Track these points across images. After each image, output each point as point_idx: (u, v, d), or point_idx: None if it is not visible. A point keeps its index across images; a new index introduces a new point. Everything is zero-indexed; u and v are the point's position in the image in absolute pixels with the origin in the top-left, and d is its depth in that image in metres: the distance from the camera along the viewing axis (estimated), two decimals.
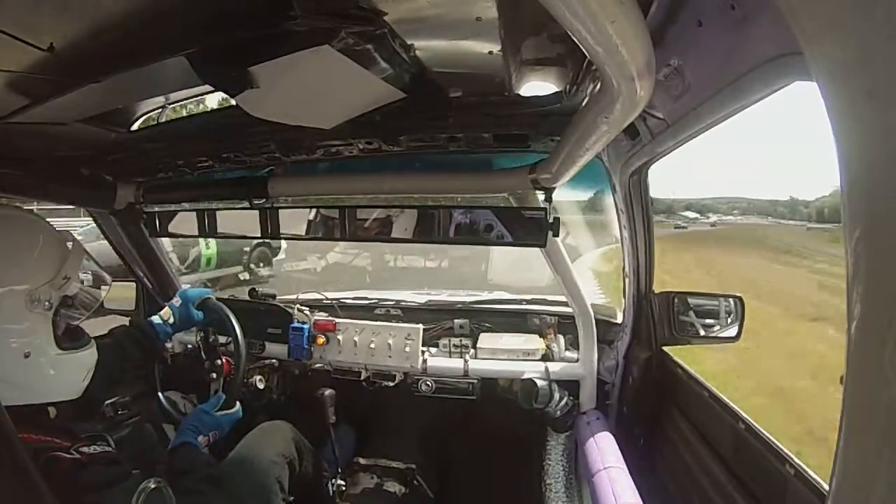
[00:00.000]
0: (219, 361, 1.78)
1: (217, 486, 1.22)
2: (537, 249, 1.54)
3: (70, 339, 1.14)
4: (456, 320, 2.04)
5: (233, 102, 1.03)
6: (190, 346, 1.95)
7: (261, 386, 1.93)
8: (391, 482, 1.90)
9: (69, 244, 1.15)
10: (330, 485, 1.81)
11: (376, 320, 2.05)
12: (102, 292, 1.26)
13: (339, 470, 1.86)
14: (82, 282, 1.17)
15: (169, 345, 1.94)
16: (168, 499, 1.06)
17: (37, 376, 1.06)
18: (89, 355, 1.19)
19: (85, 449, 1.02)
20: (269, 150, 1.56)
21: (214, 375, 1.77)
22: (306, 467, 1.68)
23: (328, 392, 1.90)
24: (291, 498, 1.55)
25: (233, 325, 1.67)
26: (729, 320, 1.65)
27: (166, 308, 1.68)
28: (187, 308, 1.68)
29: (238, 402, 1.56)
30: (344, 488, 1.83)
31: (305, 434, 1.77)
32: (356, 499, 1.87)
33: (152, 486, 1.03)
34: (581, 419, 1.80)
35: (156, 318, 1.64)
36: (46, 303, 1.07)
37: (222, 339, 1.83)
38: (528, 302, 2.17)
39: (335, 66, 0.90)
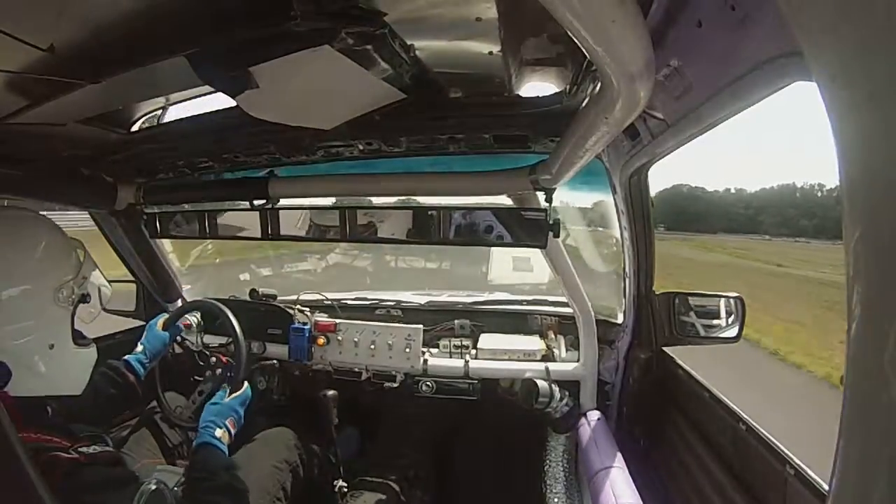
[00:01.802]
0: (213, 360, 1.78)
1: (234, 498, 1.22)
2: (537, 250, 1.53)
3: (78, 336, 1.21)
4: (456, 321, 2.04)
5: (233, 103, 1.03)
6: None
7: (262, 387, 1.93)
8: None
9: (78, 248, 1.24)
10: (332, 486, 1.81)
11: (377, 321, 2.05)
12: (108, 292, 1.36)
13: (341, 471, 1.86)
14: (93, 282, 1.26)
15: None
16: (169, 500, 1.06)
17: (56, 367, 1.13)
18: (93, 352, 1.26)
19: (84, 449, 1.03)
20: (269, 151, 1.56)
21: (219, 372, 1.77)
22: (309, 472, 1.69)
23: (331, 393, 1.89)
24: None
25: (232, 325, 1.67)
26: (730, 321, 1.65)
27: (139, 345, 1.69)
28: (154, 334, 1.71)
29: (245, 382, 1.52)
30: (346, 490, 1.82)
31: (307, 435, 1.77)
32: None
33: (153, 487, 1.03)
34: (581, 420, 1.79)
35: (130, 357, 1.64)
36: (70, 298, 1.15)
37: (222, 340, 1.82)
38: (529, 302, 2.16)
39: (335, 67, 0.90)
